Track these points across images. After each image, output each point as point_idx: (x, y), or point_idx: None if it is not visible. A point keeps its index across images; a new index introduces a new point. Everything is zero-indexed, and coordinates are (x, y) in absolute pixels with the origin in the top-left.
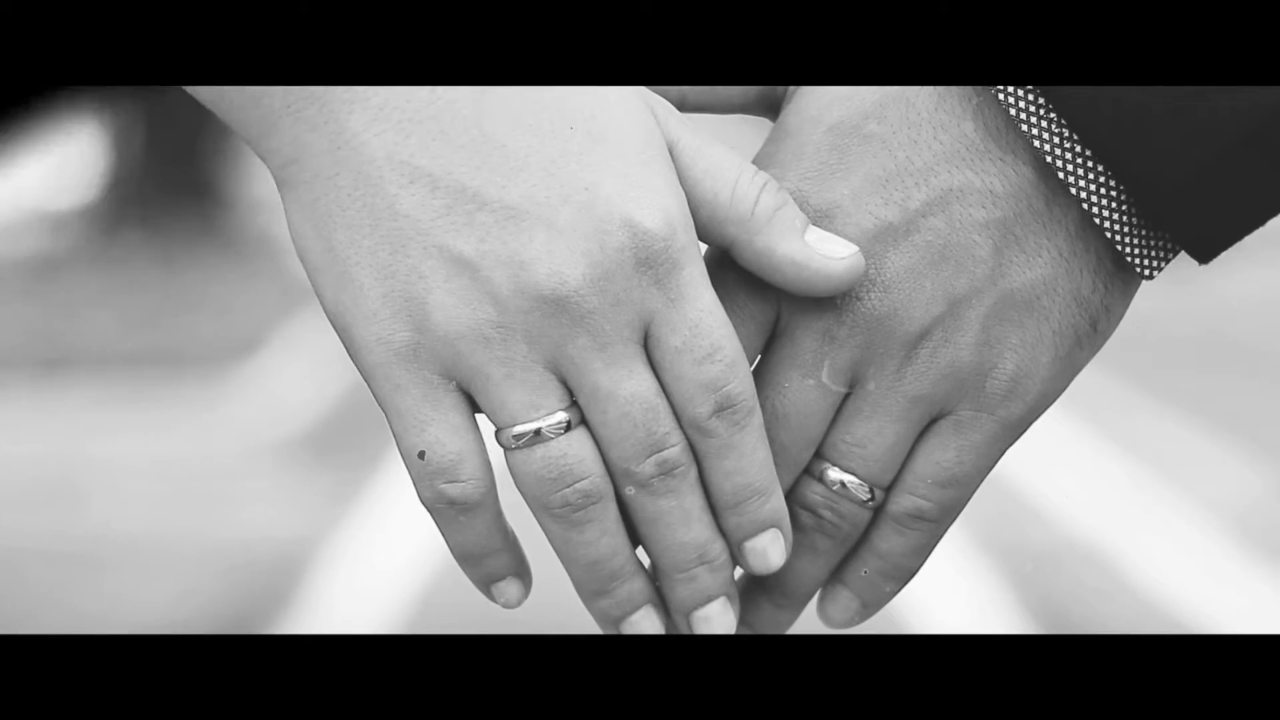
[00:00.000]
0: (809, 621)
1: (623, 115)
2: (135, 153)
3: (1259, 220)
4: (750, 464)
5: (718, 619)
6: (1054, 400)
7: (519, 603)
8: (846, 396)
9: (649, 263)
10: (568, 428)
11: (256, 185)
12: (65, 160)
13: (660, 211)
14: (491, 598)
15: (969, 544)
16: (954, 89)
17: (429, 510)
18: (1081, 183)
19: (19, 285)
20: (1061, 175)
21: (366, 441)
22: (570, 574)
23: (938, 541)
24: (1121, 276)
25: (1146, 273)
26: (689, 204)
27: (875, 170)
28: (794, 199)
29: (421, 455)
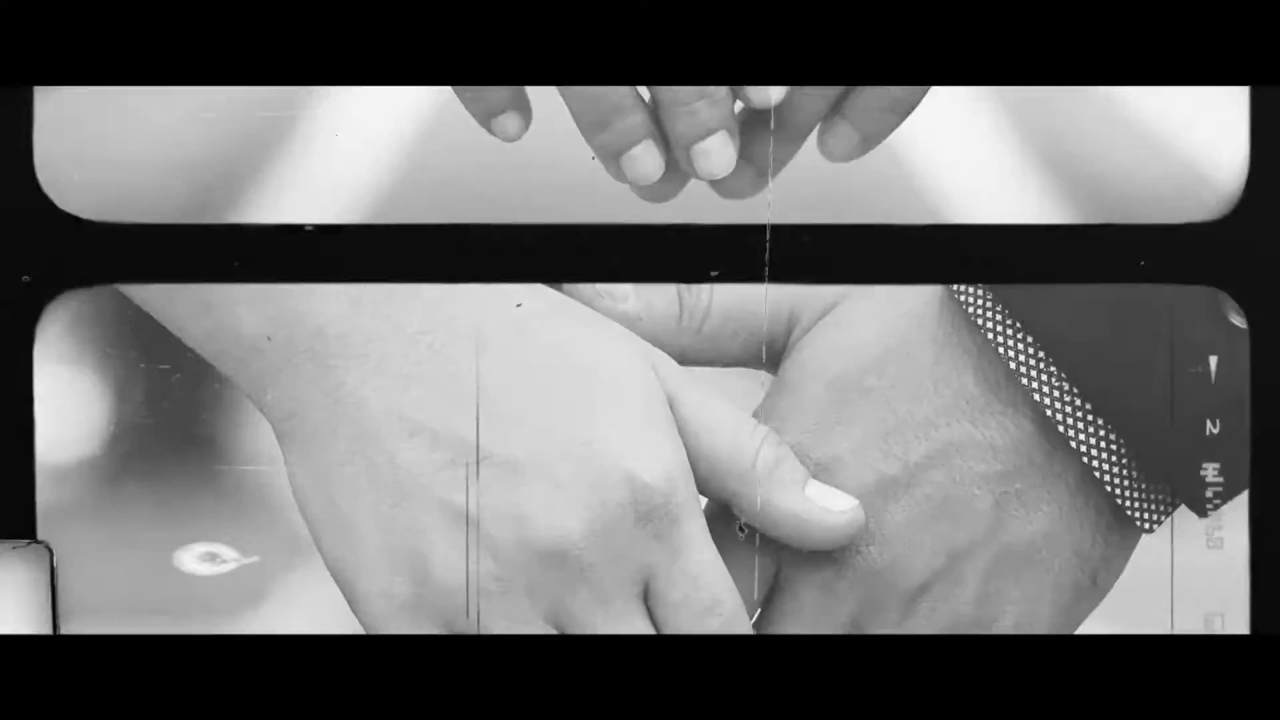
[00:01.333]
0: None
1: (623, 370)
2: (136, 405)
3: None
4: None
5: (717, 154)
6: None
7: (518, 135)
8: None
9: (649, 517)
10: None
11: (258, 439)
12: (67, 414)
13: (660, 467)
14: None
15: None
16: (952, 340)
17: None
18: (1081, 436)
19: None
20: (1061, 429)
21: None
22: (570, 107)
23: None
24: (1121, 530)
25: (1147, 526)
26: (689, 457)
27: (875, 424)
28: (795, 452)
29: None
